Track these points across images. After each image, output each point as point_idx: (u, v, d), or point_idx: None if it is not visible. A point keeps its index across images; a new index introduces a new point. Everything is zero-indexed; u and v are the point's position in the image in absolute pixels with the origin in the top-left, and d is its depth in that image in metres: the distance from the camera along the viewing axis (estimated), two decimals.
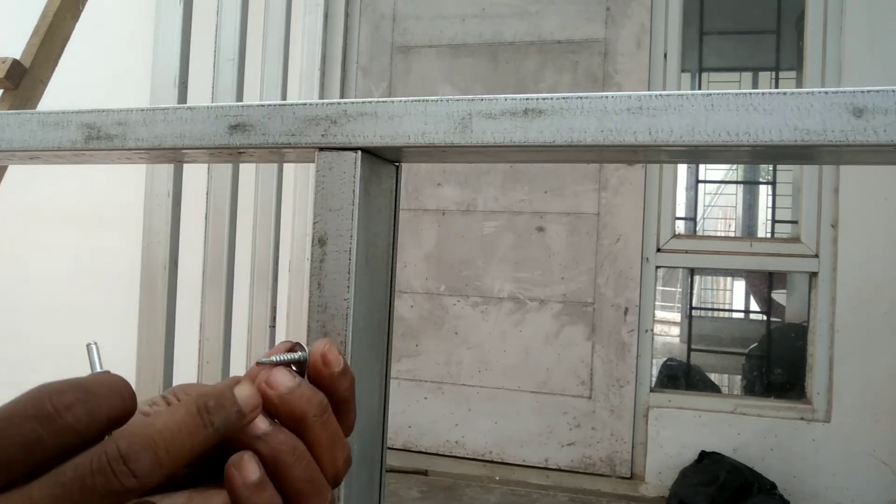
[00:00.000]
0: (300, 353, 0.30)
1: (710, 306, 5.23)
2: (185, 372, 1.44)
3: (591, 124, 0.34)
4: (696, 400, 2.12)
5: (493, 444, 2.24)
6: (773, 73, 2.80)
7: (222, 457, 0.27)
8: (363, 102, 0.38)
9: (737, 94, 0.33)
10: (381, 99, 0.38)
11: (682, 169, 3.56)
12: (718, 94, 0.33)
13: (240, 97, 1.60)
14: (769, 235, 3.11)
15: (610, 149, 0.35)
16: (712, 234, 6.56)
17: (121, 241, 2.53)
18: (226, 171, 1.57)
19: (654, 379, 2.25)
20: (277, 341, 1.96)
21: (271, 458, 0.27)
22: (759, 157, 0.36)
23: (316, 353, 0.30)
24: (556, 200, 2.23)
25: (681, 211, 2.33)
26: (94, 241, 2.66)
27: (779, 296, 3.14)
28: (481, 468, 2.21)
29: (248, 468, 0.26)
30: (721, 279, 5.60)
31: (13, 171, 1.31)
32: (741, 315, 4.32)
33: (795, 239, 2.11)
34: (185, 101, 1.42)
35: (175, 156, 0.43)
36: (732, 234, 6.00)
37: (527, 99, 0.36)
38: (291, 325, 2.31)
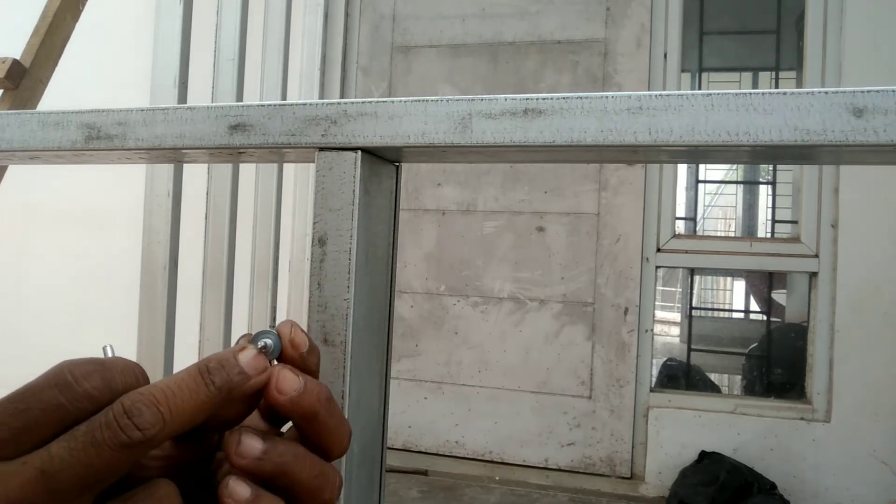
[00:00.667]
0: (271, 340, 0.30)
1: (710, 306, 5.23)
2: None
3: (591, 124, 0.34)
4: (696, 400, 2.12)
5: (493, 444, 2.24)
6: (773, 73, 2.80)
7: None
8: (363, 102, 0.38)
9: (737, 94, 0.33)
10: (381, 99, 0.38)
11: (682, 169, 3.56)
12: (718, 94, 0.33)
13: (240, 97, 1.60)
14: (769, 235, 3.11)
15: (610, 149, 0.35)
16: (712, 234, 6.56)
17: (121, 242, 2.53)
18: (226, 171, 1.57)
19: (654, 379, 2.25)
20: None
21: (278, 472, 0.28)
22: (759, 157, 0.36)
23: (285, 338, 0.30)
24: (556, 200, 2.23)
25: (681, 211, 2.33)
26: (94, 241, 2.66)
27: (779, 296, 3.14)
28: (481, 468, 2.21)
29: (237, 490, 0.26)
30: (721, 279, 5.60)
31: (13, 171, 1.31)
32: (741, 315, 4.32)
33: (795, 239, 2.11)
34: (185, 101, 1.42)
35: (175, 156, 0.43)
36: (732, 234, 6.00)
37: (527, 99, 0.36)
38: None
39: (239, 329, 1.76)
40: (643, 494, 2.07)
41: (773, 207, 2.81)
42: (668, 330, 5.56)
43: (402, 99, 0.37)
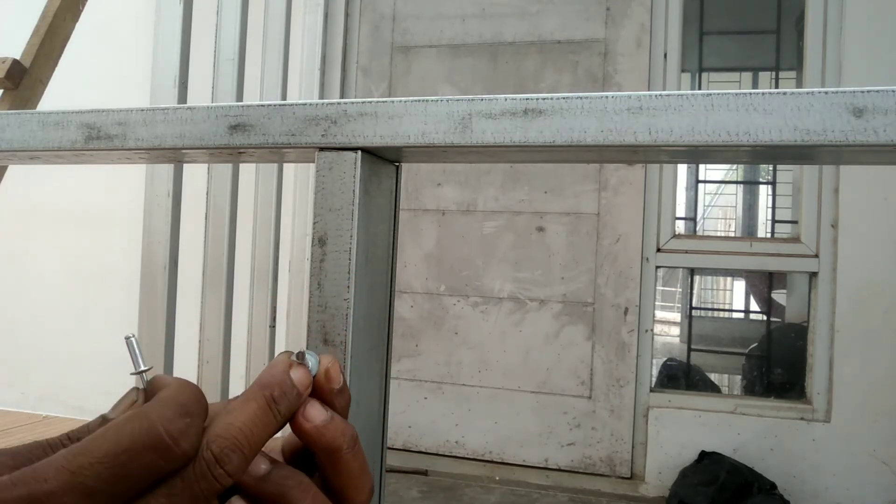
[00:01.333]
0: (312, 362, 0.30)
1: (710, 306, 5.23)
2: (186, 372, 1.44)
3: (591, 124, 0.34)
4: (696, 400, 2.12)
5: (493, 444, 2.24)
6: (773, 73, 2.80)
7: None
8: (363, 102, 0.38)
9: (737, 94, 0.33)
10: (381, 99, 0.38)
11: (682, 169, 3.56)
12: (718, 94, 0.33)
13: (240, 97, 1.60)
14: (769, 235, 3.11)
15: (610, 149, 0.35)
16: (712, 234, 6.56)
17: (121, 242, 2.54)
18: (226, 171, 1.57)
19: (654, 379, 2.25)
20: (277, 341, 1.96)
21: (278, 494, 0.28)
22: (759, 157, 0.36)
23: (321, 368, 0.30)
24: (556, 200, 2.23)
25: (681, 211, 2.33)
26: (94, 241, 2.66)
27: (779, 296, 3.14)
28: (481, 468, 2.21)
29: None
30: (721, 279, 5.60)
31: (13, 170, 1.31)
32: (741, 315, 4.32)
33: (795, 239, 2.11)
34: (185, 101, 1.42)
35: (175, 156, 0.43)
36: (732, 234, 6.00)
37: (527, 99, 0.36)
38: (291, 325, 2.31)
39: (239, 329, 1.76)
40: (643, 494, 2.07)
41: (773, 207, 2.81)
42: (668, 330, 5.56)
43: (402, 99, 0.37)
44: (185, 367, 1.50)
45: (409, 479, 2.10)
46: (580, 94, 0.35)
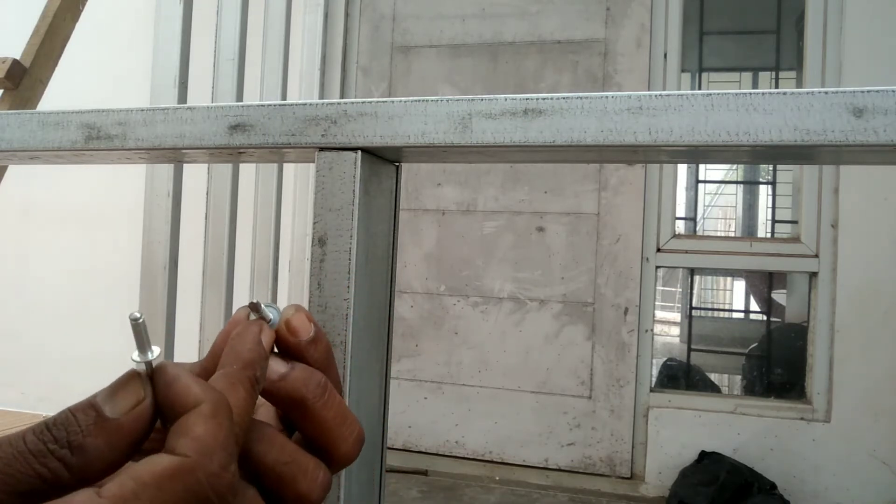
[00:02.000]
0: (273, 315, 0.28)
1: (710, 306, 5.23)
2: None
3: (591, 124, 0.34)
4: (696, 400, 2.12)
5: (493, 444, 2.24)
6: (773, 73, 2.80)
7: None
8: (363, 102, 0.38)
9: (737, 94, 0.33)
10: (381, 99, 0.38)
11: (682, 169, 3.56)
12: (718, 94, 0.33)
13: (240, 97, 1.60)
14: (769, 235, 3.11)
15: (610, 149, 0.35)
16: (712, 234, 6.56)
17: (121, 242, 2.54)
18: (226, 171, 1.57)
19: (654, 379, 2.25)
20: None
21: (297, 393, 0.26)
22: (759, 157, 0.36)
23: (281, 321, 0.28)
24: (556, 200, 2.23)
25: (681, 211, 2.33)
26: (94, 241, 2.66)
27: (779, 296, 3.14)
28: (481, 468, 2.21)
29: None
30: (721, 279, 5.60)
31: (13, 170, 1.31)
32: (741, 315, 4.32)
33: (795, 239, 2.11)
34: (185, 101, 1.42)
35: (175, 156, 0.43)
36: (732, 234, 6.00)
37: (527, 99, 0.36)
38: None
39: None
40: (643, 494, 2.07)
41: (773, 207, 2.81)
42: (668, 330, 5.56)
43: (402, 99, 0.37)
44: None
45: (409, 479, 2.10)
46: (580, 94, 0.35)
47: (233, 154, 0.41)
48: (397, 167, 0.44)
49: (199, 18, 1.45)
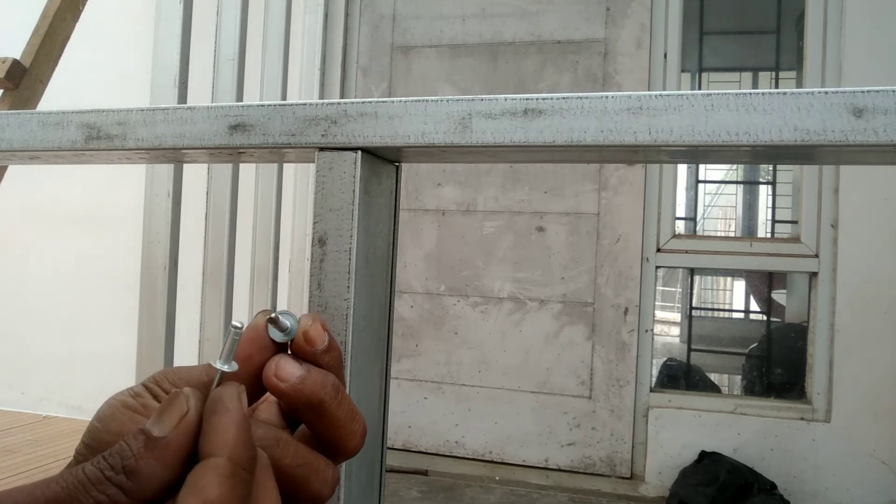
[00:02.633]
0: (290, 323, 0.29)
1: (710, 306, 5.23)
2: None
3: (591, 124, 0.34)
4: (696, 400, 2.12)
5: (493, 444, 2.24)
6: (773, 73, 2.80)
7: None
8: (363, 102, 0.38)
9: (737, 94, 0.33)
10: (381, 99, 0.38)
11: (682, 169, 3.55)
12: (718, 94, 0.33)
13: (240, 97, 1.60)
14: (769, 235, 3.11)
15: (610, 149, 0.35)
16: (712, 234, 6.55)
17: (121, 242, 2.54)
18: (226, 171, 1.57)
19: (654, 379, 2.25)
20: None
21: (315, 397, 0.27)
22: (759, 157, 0.36)
23: (300, 329, 0.29)
24: (556, 200, 2.23)
25: (681, 211, 2.33)
26: (94, 241, 2.66)
27: (779, 296, 3.13)
28: (481, 468, 2.21)
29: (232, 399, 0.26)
30: (721, 279, 5.60)
31: (13, 170, 1.31)
32: (741, 315, 4.32)
33: (795, 239, 2.11)
34: (185, 101, 1.42)
35: (175, 156, 0.43)
36: (732, 234, 5.99)
37: (527, 99, 0.36)
38: None
39: None
40: (643, 494, 2.07)
41: (773, 207, 2.80)
42: (668, 330, 5.56)
43: (402, 99, 0.37)
44: None
45: (409, 479, 2.10)
46: (580, 94, 0.35)
47: (233, 154, 0.41)
48: (397, 167, 0.44)
49: (199, 18, 1.45)
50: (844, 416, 1.98)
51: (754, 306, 3.77)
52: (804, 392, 2.09)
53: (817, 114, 0.31)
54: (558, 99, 0.35)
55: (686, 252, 2.17)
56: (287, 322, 0.29)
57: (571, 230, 2.22)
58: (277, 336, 0.29)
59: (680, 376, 2.57)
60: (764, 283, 3.15)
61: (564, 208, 2.22)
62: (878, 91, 0.31)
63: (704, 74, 3.93)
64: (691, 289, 2.73)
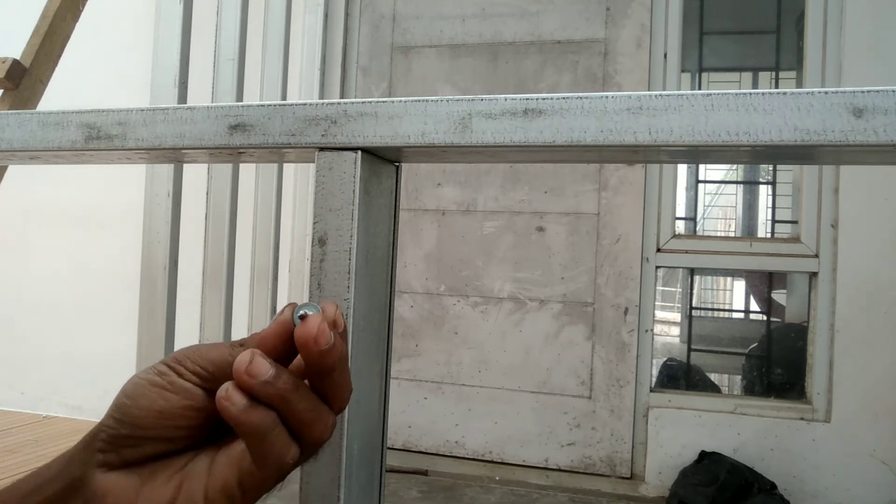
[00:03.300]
0: (312, 314, 0.32)
1: (710, 306, 5.23)
2: None
3: (591, 124, 0.34)
4: (696, 400, 2.12)
5: (493, 444, 2.24)
6: (773, 73, 2.80)
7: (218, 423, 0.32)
8: (363, 102, 0.38)
9: (737, 94, 0.33)
10: (381, 99, 0.38)
11: (682, 169, 3.55)
12: (718, 94, 0.33)
13: (240, 97, 1.60)
14: (769, 235, 3.11)
15: (610, 149, 0.35)
16: (712, 234, 6.55)
17: (121, 242, 2.54)
18: (226, 171, 1.57)
19: (654, 379, 2.25)
20: None
21: (279, 398, 0.31)
22: (759, 157, 0.36)
23: (328, 317, 0.32)
24: (556, 200, 2.23)
25: (681, 211, 2.33)
26: (95, 241, 2.66)
27: (779, 296, 3.13)
28: (481, 468, 2.21)
29: (235, 397, 0.30)
30: (721, 279, 5.60)
31: (13, 170, 1.31)
32: (741, 315, 4.32)
33: (795, 239, 2.11)
34: (185, 101, 1.42)
35: (175, 156, 0.43)
36: (732, 234, 5.99)
37: (527, 99, 0.36)
38: None
39: (239, 329, 1.76)
40: (643, 494, 2.07)
41: (773, 207, 2.80)
42: (668, 330, 5.56)
43: (402, 99, 0.37)
44: None
45: (409, 479, 2.10)
46: (580, 94, 0.35)
47: (233, 154, 0.41)
48: (397, 167, 0.44)
49: (199, 18, 1.45)
50: (844, 416, 1.98)
51: (754, 306, 3.77)
52: (804, 392, 2.09)
53: (817, 114, 0.31)
54: (558, 99, 0.35)
55: (686, 252, 2.17)
56: (311, 312, 0.32)
57: (571, 230, 2.22)
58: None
59: (680, 376, 2.57)
60: (764, 283, 3.15)
61: (564, 208, 2.22)
62: (878, 91, 0.31)
63: (704, 74, 3.93)
64: (691, 289, 2.73)
